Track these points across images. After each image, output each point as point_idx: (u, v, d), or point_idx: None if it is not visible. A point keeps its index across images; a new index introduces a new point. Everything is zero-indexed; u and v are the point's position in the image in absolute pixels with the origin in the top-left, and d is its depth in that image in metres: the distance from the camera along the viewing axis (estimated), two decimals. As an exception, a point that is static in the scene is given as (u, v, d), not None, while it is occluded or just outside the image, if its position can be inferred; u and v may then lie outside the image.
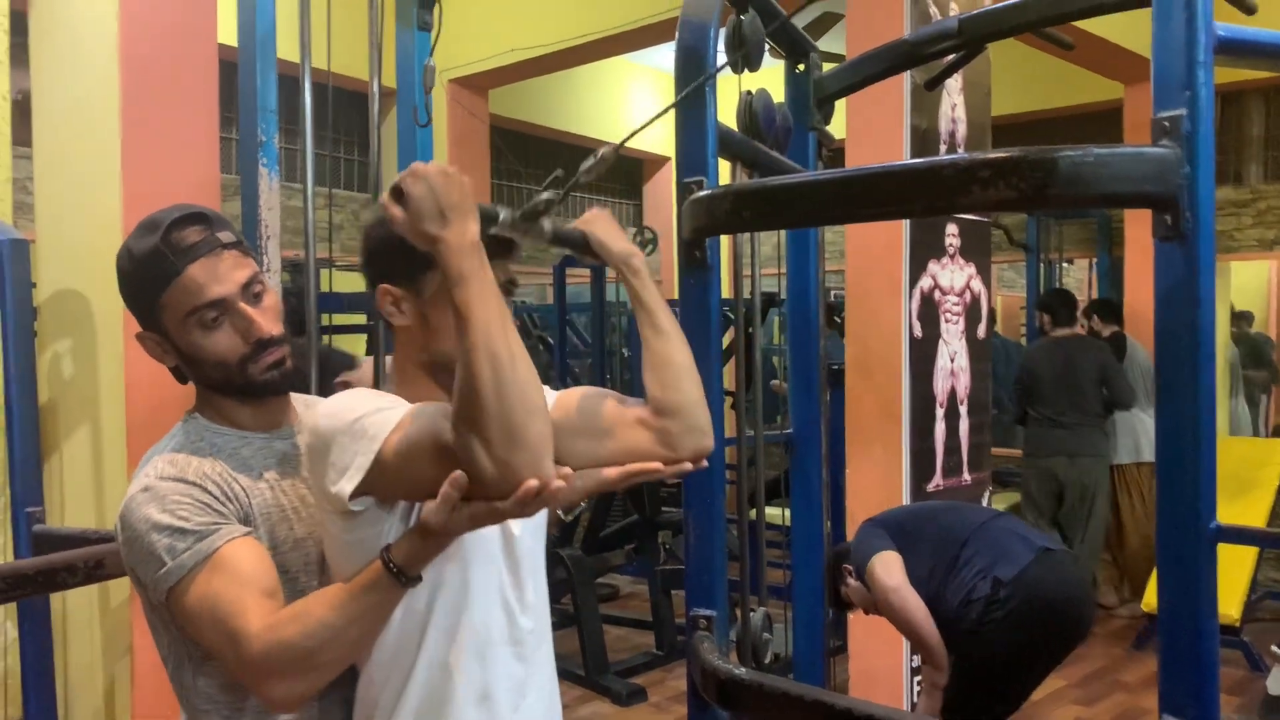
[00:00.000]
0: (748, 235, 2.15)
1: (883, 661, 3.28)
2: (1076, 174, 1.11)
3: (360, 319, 3.84)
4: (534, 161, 8.93)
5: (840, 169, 1.32)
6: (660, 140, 9.05)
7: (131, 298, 1.33)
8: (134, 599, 2.54)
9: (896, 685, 3.21)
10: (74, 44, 2.68)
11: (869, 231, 3.23)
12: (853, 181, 1.25)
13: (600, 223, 1.39)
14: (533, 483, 1.07)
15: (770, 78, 2.04)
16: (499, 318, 1.09)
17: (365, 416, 1.18)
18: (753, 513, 2.38)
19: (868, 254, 3.27)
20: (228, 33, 2.66)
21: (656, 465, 1.30)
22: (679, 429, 1.32)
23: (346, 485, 1.16)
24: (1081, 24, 4.52)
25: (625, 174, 9.76)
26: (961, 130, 3.38)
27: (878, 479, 3.25)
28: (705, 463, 1.37)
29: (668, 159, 9.33)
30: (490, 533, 1.31)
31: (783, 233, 2.32)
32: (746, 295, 2.31)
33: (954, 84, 3.32)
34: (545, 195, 1.23)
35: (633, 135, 1.33)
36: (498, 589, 1.32)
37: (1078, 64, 5.75)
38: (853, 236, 3.43)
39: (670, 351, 1.34)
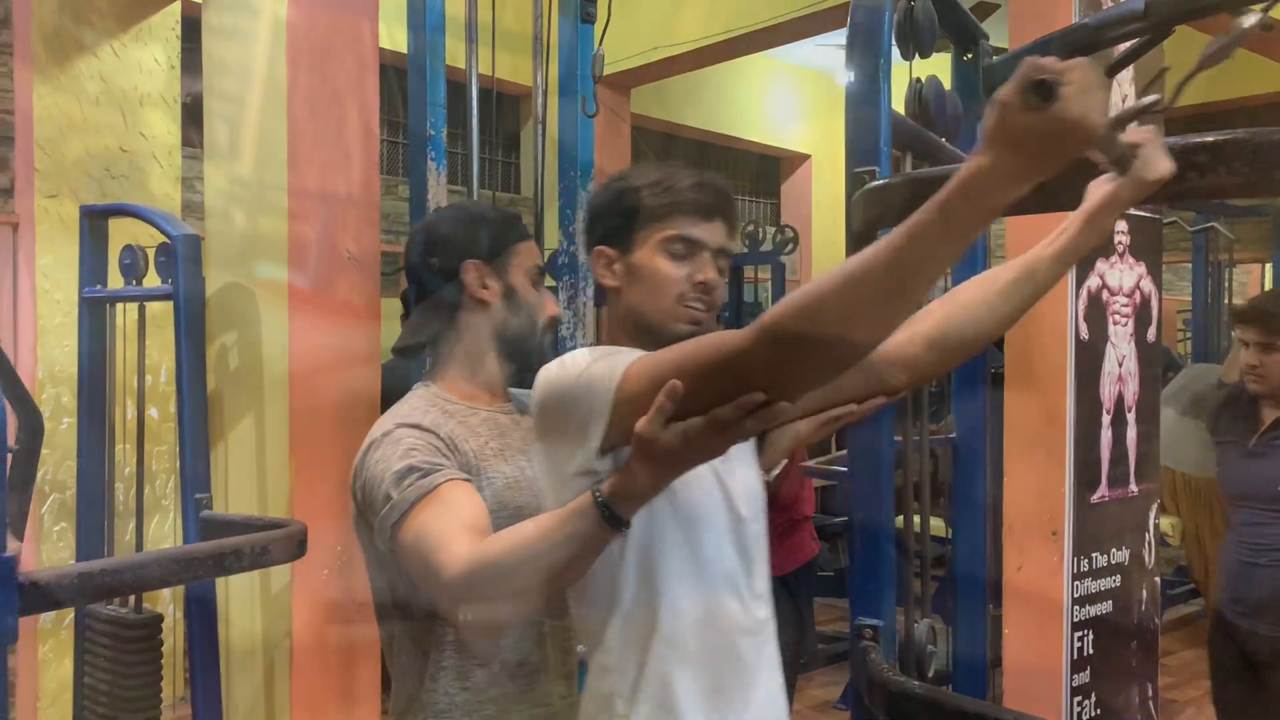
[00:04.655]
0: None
1: (1038, 679, 3.13)
2: (1311, 157, 1.01)
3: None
4: (670, 160, 8.91)
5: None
6: (799, 138, 8.90)
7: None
8: (295, 585, 2.61)
9: (1056, 702, 3.05)
10: (244, 48, 2.78)
11: (1032, 226, 3.06)
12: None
13: (1158, 150, 1.12)
14: (759, 394, 0.99)
15: (936, 66, 1.96)
16: (939, 261, 0.93)
17: (593, 364, 1.16)
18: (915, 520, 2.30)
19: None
20: (386, 38, 2.73)
21: (850, 409, 1.30)
22: (928, 357, 1.35)
23: (594, 438, 1.14)
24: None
25: (762, 172, 9.64)
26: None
27: (1039, 488, 3.09)
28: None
29: (807, 157, 9.17)
30: (719, 517, 1.27)
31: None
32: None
33: (1125, 73, 3.14)
34: (1150, 98, 1.01)
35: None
36: (727, 575, 1.27)
37: (1255, 52, 5.39)
38: (1013, 231, 3.27)
39: (1018, 307, 1.34)
